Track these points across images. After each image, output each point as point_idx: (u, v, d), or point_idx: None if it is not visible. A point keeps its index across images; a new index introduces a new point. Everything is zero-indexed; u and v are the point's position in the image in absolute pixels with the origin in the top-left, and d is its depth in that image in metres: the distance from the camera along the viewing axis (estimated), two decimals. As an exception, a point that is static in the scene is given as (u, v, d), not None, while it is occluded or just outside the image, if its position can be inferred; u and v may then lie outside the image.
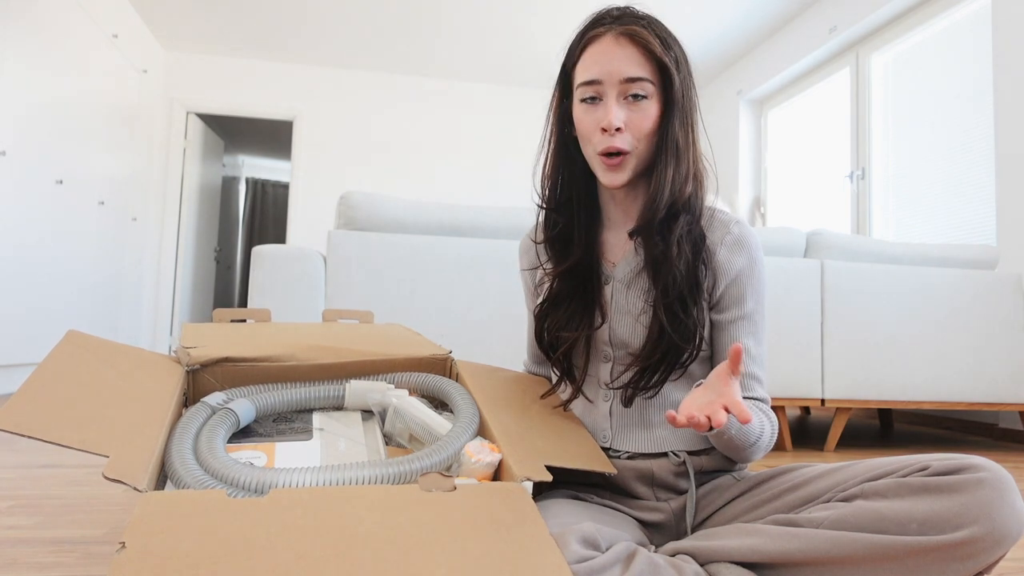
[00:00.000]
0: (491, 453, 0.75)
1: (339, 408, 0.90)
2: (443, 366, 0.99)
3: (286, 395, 0.87)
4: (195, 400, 0.90)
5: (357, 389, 0.89)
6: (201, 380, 0.88)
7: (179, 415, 0.82)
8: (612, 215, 0.94)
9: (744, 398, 0.85)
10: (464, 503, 0.62)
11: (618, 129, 0.83)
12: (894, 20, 3.77)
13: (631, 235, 0.88)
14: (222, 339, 0.95)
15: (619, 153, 0.84)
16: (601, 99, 0.84)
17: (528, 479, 0.70)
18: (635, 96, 0.83)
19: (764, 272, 0.90)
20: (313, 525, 0.57)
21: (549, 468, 0.74)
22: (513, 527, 0.60)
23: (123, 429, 0.68)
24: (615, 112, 0.82)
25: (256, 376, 0.89)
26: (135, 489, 0.59)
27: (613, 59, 0.83)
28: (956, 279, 2.42)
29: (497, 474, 0.76)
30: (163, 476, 0.69)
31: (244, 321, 1.10)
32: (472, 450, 0.74)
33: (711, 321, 0.89)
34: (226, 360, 0.88)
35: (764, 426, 0.83)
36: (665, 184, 0.84)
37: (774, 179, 4.91)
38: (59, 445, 0.61)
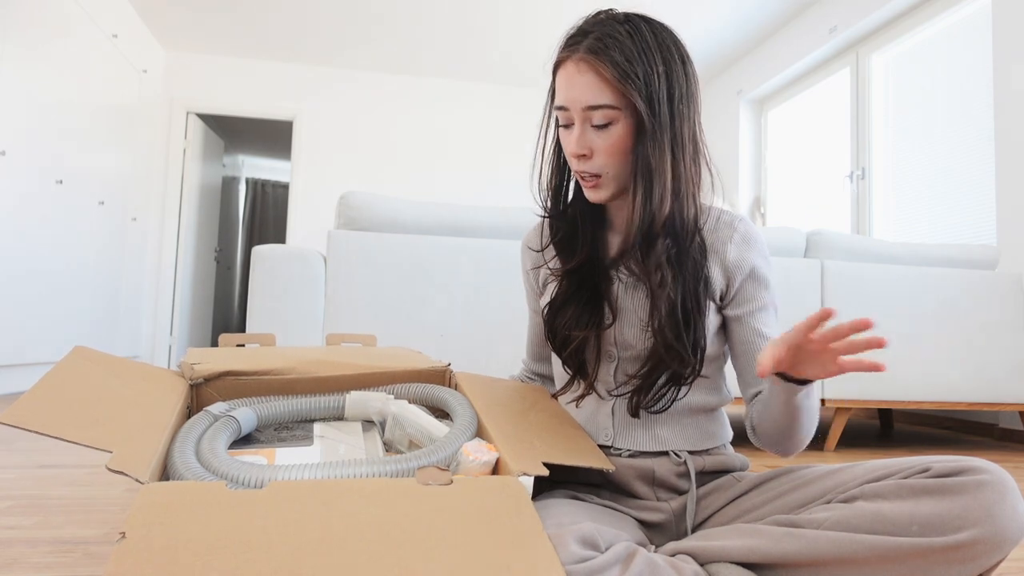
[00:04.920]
0: (488, 452, 0.75)
1: (340, 418, 0.92)
2: (442, 377, 1.01)
3: (287, 405, 0.89)
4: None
5: (357, 400, 0.90)
6: (204, 393, 0.90)
7: (182, 425, 0.83)
8: (614, 217, 0.94)
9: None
10: (460, 497, 0.63)
11: (584, 155, 0.83)
12: (894, 20, 3.76)
13: (614, 263, 0.89)
14: (226, 357, 0.98)
15: (593, 175, 0.85)
16: (571, 124, 0.84)
17: (524, 474, 0.70)
18: (599, 121, 0.81)
19: (771, 266, 0.91)
20: (311, 516, 0.58)
21: (548, 465, 0.74)
22: (508, 522, 0.60)
23: (127, 430, 0.69)
24: (579, 140, 0.82)
25: (258, 389, 0.92)
26: (137, 480, 0.60)
27: (574, 86, 0.81)
28: (956, 279, 2.42)
29: (495, 472, 0.76)
30: (165, 476, 0.69)
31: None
32: (470, 449, 0.75)
33: (727, 318, 0.90)
34: (228, 374, 0.90)
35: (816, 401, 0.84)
36: (636, 209, 0.82)
37: (774, 179, 4.91)
38: (64, 440, 0.62)
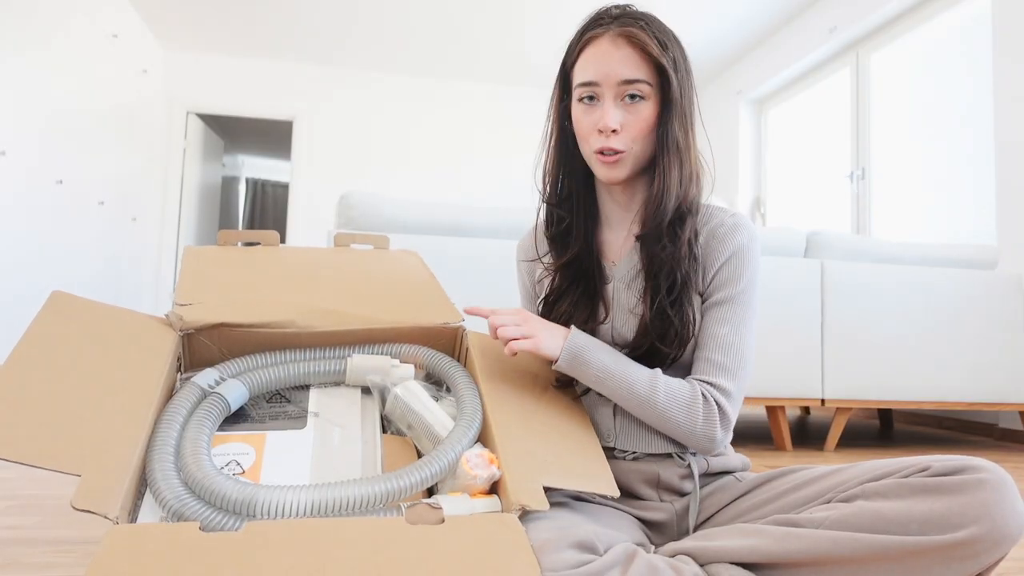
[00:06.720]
0: (489, 467, 0.72)
1: (340, 383, 0.87)
2: (453, 337, 0.95)
3: (283, 373, 0.83)
4: (190, 364, 0.87)
5: (358, 367, 0.86)
6: (196, 343, 0.85)
7: (170, 387, 0.79)
8: (611, 214, 0.94)
9: (693, 378, 0.85)
10: (452, 539, 0.59)
11: (614, 131, 0.84)
12: (894, 20, 3.76)
13: (639, 238, 0.88)
14: (221, 288, 0.90)
15: (615, 152, 0.85)
16: (598, 100, 0.85)
17: (523, 509, 0.68)
18: (632, 97, 0.83)
19: (757, 263, 0.88)
20: (289, 565, 0.54)
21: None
22: (503, 568, 0.58)
23: (102, 431, 0.65)
24: (611, 114, 0.83)
25: (254, 342, 0.85)
26: (106, 518, 0.57)
27: (610, 60, 0.83)
28: (956, 279, 2.42)
29: (494, 488, 0.74)
30: (143, 479, 0.67)
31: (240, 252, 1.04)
32: (470, 464, 0.72)
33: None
34: (223, 325, 0.84)
35: (664, 387, 0.81)
36: (671, 185, 0.84)
37: (774, 179, 4.91)
38: (26, 464, 0.58)
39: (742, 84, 5.00)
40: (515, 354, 0.81)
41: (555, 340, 0.83)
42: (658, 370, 0.84)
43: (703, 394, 0.83)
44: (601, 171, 0.87)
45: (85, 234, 3.95)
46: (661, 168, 0.84)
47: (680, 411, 0.82)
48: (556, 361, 0.83)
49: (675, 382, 0.83)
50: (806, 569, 0.66)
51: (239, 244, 1.08)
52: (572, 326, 0.86)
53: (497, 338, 0.82)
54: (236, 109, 5.29)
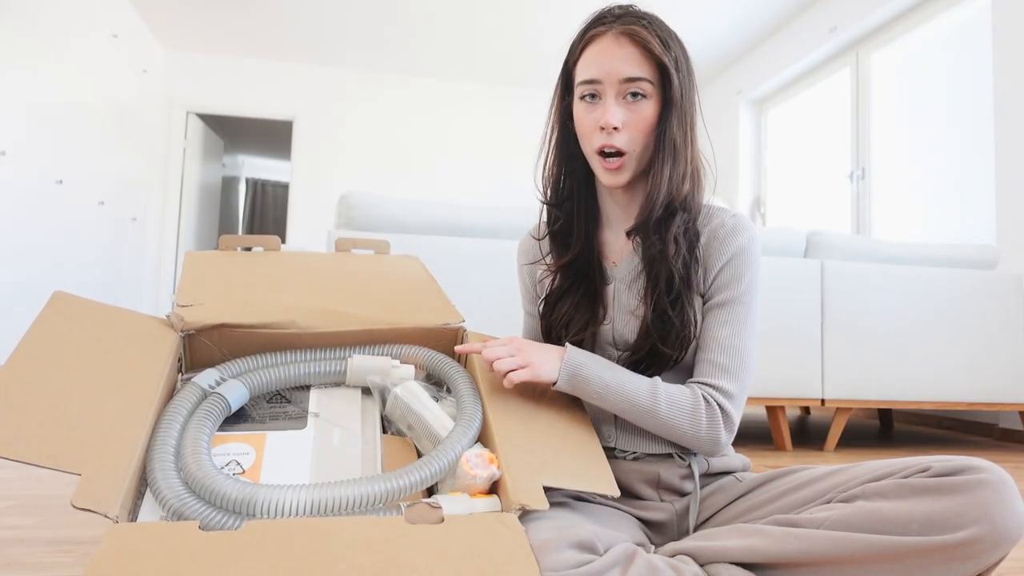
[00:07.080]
0: (489, 467, 0.72)
1: (340, 384, 0.87)
2: (453, 338, 0.95)
3: (284, 373, 0.83)
4: (191, 365, 0.87)
5: (359, 367, 0.86)
6: (197, 343, 0.85)
7: (171, 388, 0.80)
8: (611, 214, 0.94)
9: (694, 381, 0.85)
10: (451, 539, 0.59)
11: (615, 128, 0.84)
12: (894, 20, 3.76)
13: (628, 234, 0.89)
14: (222, 290, 0.90)
15: (617, 154, 0.85)
16: (600, 97, 0.85)
17: (523, 509, 0.68)
18: (633, 95, 0.84)
19: (758, 264, 0.88)
20: (288, 564, 0.54)
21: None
22: (502, 567, 0.58)
23: (103, 430, 0.65)
24: (613, 111, 0.83)
25: (255, 343, 0.85)
26: (106, 516, 0.57)
27: (613, 58, 0.83)
28: (956, 279, 2.42)
29: (494, 488, 0.74)
30: (143, 479, 0.67)
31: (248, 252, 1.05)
32: (470, 464, 0.72)
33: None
34: (223, 326, 0.84)
35: (665, 396, 0.82)
36: (662, 182, 0.84)
37: (774, 179, 4.91)
38: (28, 464, 0.58)
39: (742, 84, 5.00)
40: (514, 385, 0.81)
41: (552, 363, 0.83)
42: (657, 379, 0.84)
43: (705, 397, 0.83)
44: (604, 176, 0.87)
45: (85, 234, 3.95)
46: (656, 166, 0.85)
47: (683, 418, 0.82)
48: (555, 383, 0.83)
49: (675, 389, 0.83)
50: (806, 569, 0.66)
51: (239, 249, 1.08)
52: (567, 344, 0.85)
53: (493, 371, 0.82)
54: (236, 109, 5.29)
